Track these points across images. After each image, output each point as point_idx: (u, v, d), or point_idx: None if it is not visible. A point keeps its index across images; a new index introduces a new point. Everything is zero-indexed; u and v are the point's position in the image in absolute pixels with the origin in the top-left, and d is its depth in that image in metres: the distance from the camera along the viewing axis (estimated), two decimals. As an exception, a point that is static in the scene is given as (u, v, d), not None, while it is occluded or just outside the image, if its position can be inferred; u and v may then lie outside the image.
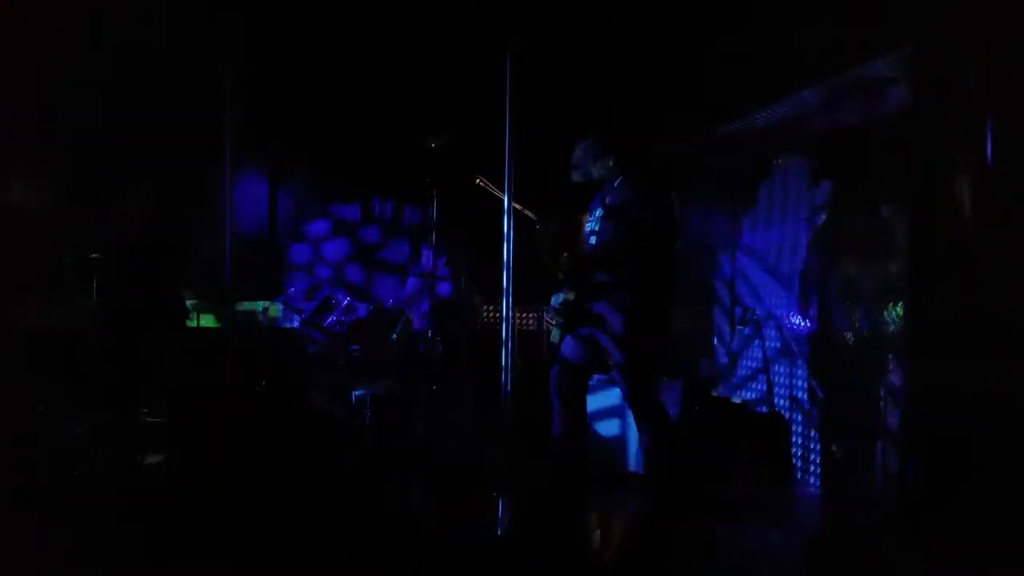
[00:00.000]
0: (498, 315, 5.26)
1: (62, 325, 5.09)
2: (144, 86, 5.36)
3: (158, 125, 5.39)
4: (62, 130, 5.38)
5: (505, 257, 3.61)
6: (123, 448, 4.28)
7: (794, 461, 4.22)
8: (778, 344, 4.45)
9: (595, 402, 4.06)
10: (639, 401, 3.46)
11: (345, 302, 5.10)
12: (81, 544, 3.04)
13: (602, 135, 3.61)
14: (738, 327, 4.84)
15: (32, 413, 4.68)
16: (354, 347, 4.98)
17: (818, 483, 4.04)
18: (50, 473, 3.99)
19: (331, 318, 5.01)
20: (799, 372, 4.25)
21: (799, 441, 4.22)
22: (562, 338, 3.54)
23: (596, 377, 3.99)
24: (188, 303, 4.71)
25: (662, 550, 3.27)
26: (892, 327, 3.54)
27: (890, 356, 3.53)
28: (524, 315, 5.42)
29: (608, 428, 4.32)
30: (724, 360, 5.01)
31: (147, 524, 3.26)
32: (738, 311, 4.88)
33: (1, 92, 5.13)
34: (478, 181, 4.08)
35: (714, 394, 4.67)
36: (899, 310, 3.49)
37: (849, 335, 3.86)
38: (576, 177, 3.65)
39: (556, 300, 3.53)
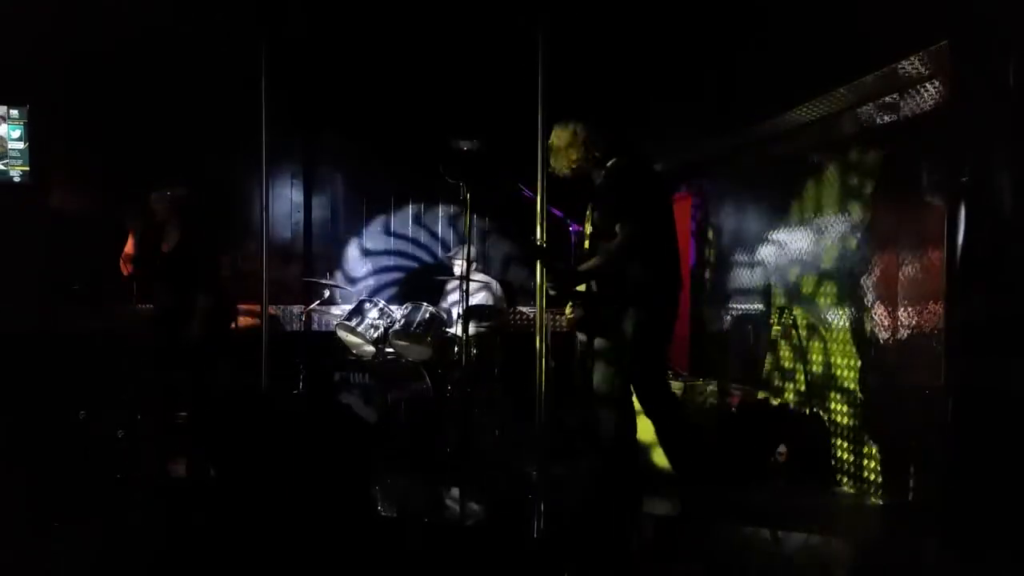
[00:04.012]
0: (531, 317, 5.27)
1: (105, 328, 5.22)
2: (171, 79, 5.46)
3: (190, 124, 5.48)
4: (94, 130, 5.50)
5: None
6: (160, 450, 4.37)
7: (833, 463, 4.17)
8: (816, 343, 4.40)
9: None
10: (654, 399, 3.43)
11: (380, 305, 5.13)
12: (118, 547, 3.12)
13: (589, 120, 3.50)
14: (776, 326, 4.79)
15: (75, 416, 4.81)
16: (389, 350, 5.01)
17: (857, 485, 3.99)
18: (92, 475, 4.09)
19: (366, 321, 5.05)
20: (838, 372, 4.20)
21: (838, 443, 4.17)
22: (586, 346, 3.51)
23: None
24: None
25: (695, 554, 3.26)
26: (922, 326, 3.48)
27: (931, 356, 3.47)
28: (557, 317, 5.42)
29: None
30: (761, 360, 4.96)
31: (184, 526, 3.33)
32: (773, 309, 4.84)
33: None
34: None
35: (753, 395, 4.61)
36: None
37: (888, 334, 3.80)
38: (559, 166, 3.52)
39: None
